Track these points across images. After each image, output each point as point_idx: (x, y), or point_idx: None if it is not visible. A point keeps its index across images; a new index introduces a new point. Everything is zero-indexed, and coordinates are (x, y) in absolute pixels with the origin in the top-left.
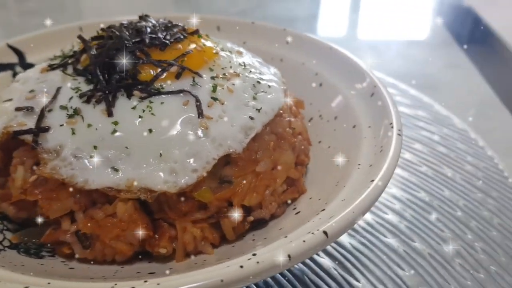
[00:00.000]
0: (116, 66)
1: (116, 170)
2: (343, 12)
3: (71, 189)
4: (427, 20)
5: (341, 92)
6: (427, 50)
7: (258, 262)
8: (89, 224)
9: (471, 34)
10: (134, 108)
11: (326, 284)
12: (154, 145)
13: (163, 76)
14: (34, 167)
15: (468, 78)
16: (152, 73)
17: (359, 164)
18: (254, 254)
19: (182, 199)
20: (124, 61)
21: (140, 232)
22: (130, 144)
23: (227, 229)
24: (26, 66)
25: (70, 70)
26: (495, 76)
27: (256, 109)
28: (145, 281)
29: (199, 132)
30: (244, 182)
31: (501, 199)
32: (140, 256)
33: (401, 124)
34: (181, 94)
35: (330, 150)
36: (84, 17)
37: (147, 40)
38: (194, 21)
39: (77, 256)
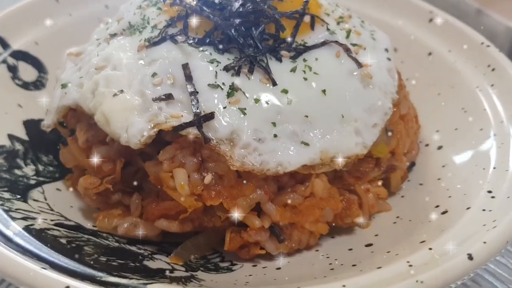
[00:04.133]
0: (252, 27)
1: (306, 144)
2: None
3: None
4: None
5: None
6: None
7: None
8: (286, 213)
9: None
10: (293, 70)
11: None
12: (332, 107)
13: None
14: (210, 165)
15: None
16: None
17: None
18: None
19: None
20: (259, 20)
21: (339, 206)
22: (309, 112)
23: (395, 181)
24: (17, 54)
25: (184, 41)
26: None
27: (384, 49)
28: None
29: (367, 83)
30: (399, 127)
31: None
32: None
33: None
34: (326, 46)
35: None
36: None
37: None
38: None
39: (273, 253)
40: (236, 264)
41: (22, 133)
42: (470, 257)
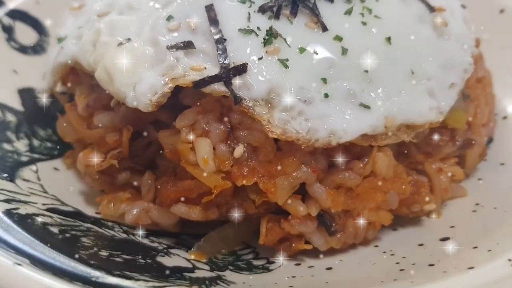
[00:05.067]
0: None
1: (366, 106)
2: None
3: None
4: None
5: None
6: None
7: None
8: (339, 197)
9: None
10: (349, 12)
11: None
12: (400, 61)
13: None
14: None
15: None
16: None
17: None
18: None
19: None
20: None
21: (408, 189)
22: (370, 66)
23: (472, 159)
24: (14, 14)
25: None
26: None
27: None
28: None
29: (441, 32)
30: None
31: None
32: None
33: None
34: None
35: None
36: None
37: None
38: None
39: (322, 249)
40: (274, 262)
41: (16, 103)
42: None
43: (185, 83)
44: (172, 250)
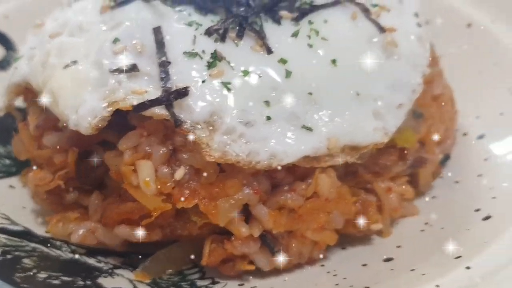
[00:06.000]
0: None
1: (309, 129)
2: None
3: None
4: None
5: None
6: None
7: None
8: (281, 219)
9: None
10: (295, 35)
11: None
12: (345, 83)
13: None
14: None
15: None
16: None
17: None
18: None
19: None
20: None
21: (352, 209)
22: (314, 88)
23: (425, 178)
24: None
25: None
26: None
27: (414, 13)
28: None
29: (391, 53)
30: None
31: None
32: None
33: None
34: (339, 5)
35: None
36: None
37: None
38: None
39: (265, 269)
40: (219, 283)
41: None
42: None
43: (125, 106)
44: (117, 271)
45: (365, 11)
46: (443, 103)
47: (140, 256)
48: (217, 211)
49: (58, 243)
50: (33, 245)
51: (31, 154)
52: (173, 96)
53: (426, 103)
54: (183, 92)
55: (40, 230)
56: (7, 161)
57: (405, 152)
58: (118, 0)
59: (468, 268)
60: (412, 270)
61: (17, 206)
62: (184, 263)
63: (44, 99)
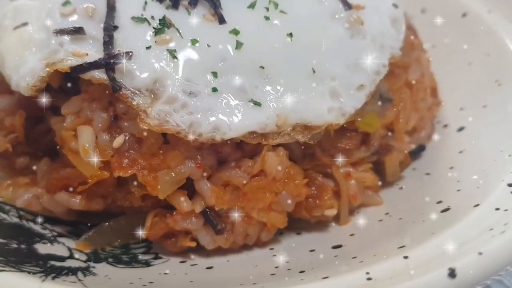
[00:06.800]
0: None
1: (257, 103)
2: None
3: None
4: None
5: None
6: None
7: None
8: (225, 195)
9: None
10: (252, 6)
11: None
12: (300, 58)
13: None
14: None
15: None
16: None
17: None
18: None
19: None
20: None
21: (303, 191)
22: (266, 61)
23: (391, 167)
24: None
25: None
26: None
27: None
28: None
29: (356, 31)
30: (402, 96)
31: None
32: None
33: None
34: None
35: None
36: None
37: None
38: None
39: (208, 247)
40: (161, 258)
41: None
42: (452, 273)
43: (63, 68)
44: (60, 239)
45: None
46: (419, 91)
47: (89, 226)
48: (156, 183)
49: (7, 207)
50: None
51: None
52: (114, 60)
53: (398, 88)
54: (124, 56)
55: None
56: None
57: (369, 137)
58: None
59: (406, 257)
60: (354, 257)
61: None
62: (132, 237)
63: None
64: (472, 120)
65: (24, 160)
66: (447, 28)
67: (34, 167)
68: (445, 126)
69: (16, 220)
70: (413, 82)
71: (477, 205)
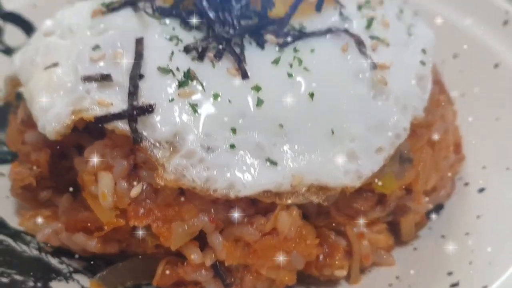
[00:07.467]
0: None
1: (273, 162)
2: None
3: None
4: None
5: None
6: None
7: None
8: (235, 251)
9: None
10: (276, 62)
11: None
12: (320, 118)
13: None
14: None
15: None
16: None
17: None
18: None
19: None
20: None
21: (313, 252)
22: (285, 120)
23: (407, 228)
24: (6, 16)
25: (146, 9)
26: None
27: (421, 50)
28: None
29: (379, 91)
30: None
31: None
32: None
33: None
34: (330, 35)
35: None
36: None
37: None
38: None
39: None
40: None
41: None
42: None
43: (88, 117)
44: (76, 275)
45: (359, 43)
46: (441, 150)
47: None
48: (169, 234)
49: (28, 238)
50: (1, 236)
51: (16, 147)
52: (137, 111)
53: (419, 147)
54: (147, 109)
55: (14, 222)
56: (5, 149)
57: (386, 198)
58: (111, 6)
59: None
60: None
61: (1, 194)
62: (145, 277)
63: (25, 97)
64: (493, 182)
65: (47, 193)
66: (478, 77)
67: (56, 202)
68: (466, 184)
69: (35, 252)
70: (436, 139)
71: (485, 286)
